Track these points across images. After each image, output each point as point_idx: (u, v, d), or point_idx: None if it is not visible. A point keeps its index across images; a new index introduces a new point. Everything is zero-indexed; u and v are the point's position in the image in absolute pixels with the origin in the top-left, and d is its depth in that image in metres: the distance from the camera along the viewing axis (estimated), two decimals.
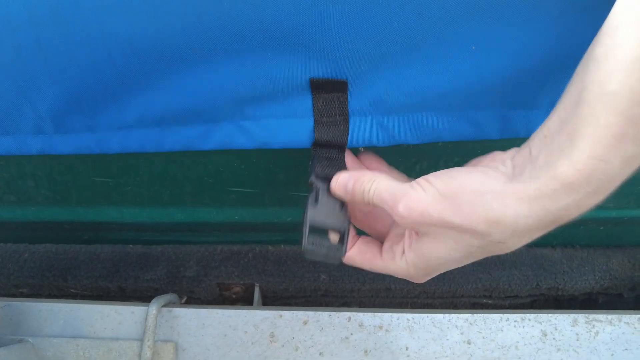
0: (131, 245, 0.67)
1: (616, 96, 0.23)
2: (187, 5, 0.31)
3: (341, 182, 0.36)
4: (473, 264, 0.64)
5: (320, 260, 0.37)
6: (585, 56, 0.26)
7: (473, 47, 0.34)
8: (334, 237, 0.37)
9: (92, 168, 0.53)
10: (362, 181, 0.34)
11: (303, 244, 0.36)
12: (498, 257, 0.65)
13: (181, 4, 0.31)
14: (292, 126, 0.40)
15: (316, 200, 0.37)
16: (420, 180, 0.31)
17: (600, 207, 0.58)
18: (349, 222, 0.37)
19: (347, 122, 0.39)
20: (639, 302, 0.67)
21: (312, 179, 0.38)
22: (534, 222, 0.26)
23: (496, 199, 0.27)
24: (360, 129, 0.40)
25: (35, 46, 0.34)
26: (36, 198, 0.57)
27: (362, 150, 0.47)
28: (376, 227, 0.39)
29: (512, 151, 0.31)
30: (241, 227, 0.61)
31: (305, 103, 0.38)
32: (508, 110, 0.39)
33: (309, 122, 0.39)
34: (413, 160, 0.49)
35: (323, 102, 0.38)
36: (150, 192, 0.55)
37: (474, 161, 0.35)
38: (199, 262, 0.64)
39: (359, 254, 0.37)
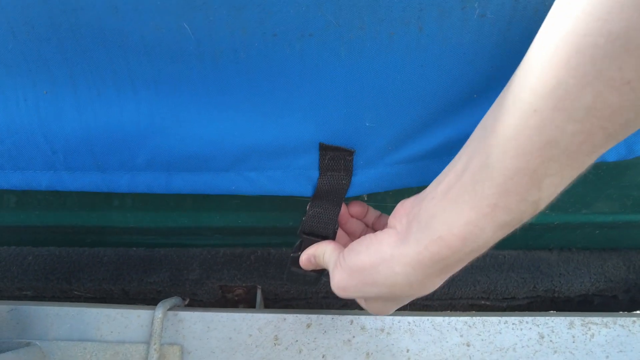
0: (134, 248, 0.68)
1: (493, 170, 0.25)
2: (204, 53, 0.33)
3: (304, 261, 0.42)
4: (471, 266, 0.66)
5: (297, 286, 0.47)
6: (481, 123, 0.28)
7: (475, 96, 0.35)
8: (310, 280, 0.46)
9: None
10: (316, 256, 0.41)
11: (284, 278, 0.46)
12: (496, 259, 0.67)
13: (197, 52, 0.33)
14: (297, 178, 0.41)
15: (299, 249, 0.43)
16: (341, 257, 0.36)
17: (596, 212, 0.59)
18: (326, 272, 0.43)
19: (350, 176, 0.40)
20: (633, 303, 0.68)
21: (300, 232, 0.43)
22: (423, 278, 0.30)
23: (387, 268, 0.31)
24: (364, 180, 0.41)
25: (68, 79, 0.35)
26: (39, 202, 0.58)
27: (365, 198, 0.48)
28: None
29: (411, 202, 0.34)
30: (243, 231, 0.62)
31: (312, 158, 0.39)
32: None
33: (314, 175, 0.40)
34: None
35: (330, 160, 0.39)
36: (154, 197, 0.56)
37: (392, 214, 0.37)
38: (202, 264, 0.65)
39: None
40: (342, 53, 0.33)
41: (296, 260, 0.44)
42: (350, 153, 0.39)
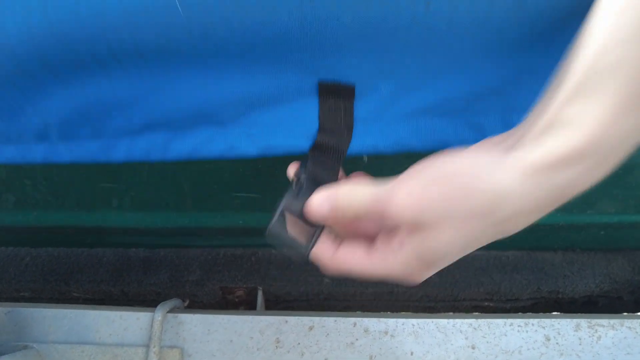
0: (134, 249, 0.67)
1: (623, 63, 0.23)
2: (193, 19, 0.31)
3: (318, 203, 0.31)
4: (475, 267, 0.65)
5: (281, 248, 0.33)
6: (584, 32, 0.25)
7: (484, 55, 0.34)
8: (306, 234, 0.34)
9: (94, 173, 0.53)
10: (339, 199, 0.30)
11: (269, 225, 0.33)
12: (499, 260, 0.66)
13: (187, 19, 0.32)
14: (296, 131, 0.40)
15: (297, 193, 0.34)
16: (404, 175, 0.28)
17: (600, 212, 0.58)
18: (323, 227, 0.34)
19: (351, 131, 0.39)
20: (639, 305, 0.68)
21: (300, 173, 0.36)
22: (540, 196, 0.24)
23: (496, 171, 0.25)
24: (365, 135, 0.40)
25: (38, 59, 0.34)
26: (37, 203, 0.57)
27: (365, 159, 0.47)
28: (362, 230, 0.34)
29: (503, 135, 0.29)
30: (245, 232, 0.61)
31: (311, 108, 0.38)
32: (511, 113, 0.39)
33: (312, 128, 0.39)
34: None
35: (329, 109, 0.38)
36: (154, 197, 0.55)
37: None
38: (202, 266, 0.64)
39: (344, 257, 0.32)
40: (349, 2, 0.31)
41: (295, 208, 0.33)
42: (350, 91, 0.37)
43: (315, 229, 0.33)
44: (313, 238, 0.33)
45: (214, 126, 0.39)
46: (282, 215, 0.33)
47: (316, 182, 0.35)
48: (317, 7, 0.31)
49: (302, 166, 0.37)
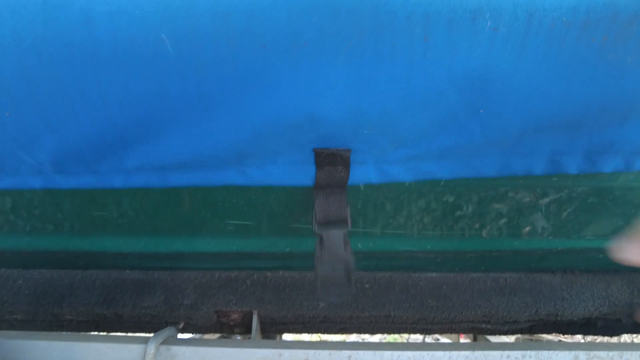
0: (128, 271, 0.66)
1: None
2: (186, 68, 0.31)
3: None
4: (472, 290, 0.65)
5: (336, 300, 0.43)
6: None
7: (481, 111, 0.33)
8: (340, 278, 0.42)
9: (88, 201, 0.52)
10: None
11: (318, 294, 0.42)
12: (497, 283, 0.65)
13: (177, 67, 0.31)
14: (294, 172, 0.40)
15: (321, 246, 0.41)
16: None
17: (599, 237, 0.58)
18: (353, 258, 0.41)
19: (348, 170, 0.39)
20: (637, 327, 0.67)
21: (315, 228, 0.41)
22: None
23: None
24: (360, 174, 0.40)
25: (31, 101, 0.33)
26: (30, 228, 0.56)
27: (362, 187, 0.46)
28: None
29: None
30: (239, 256, 0.60)
31: (308, 154, 0.38)
32: (508, 156, 0.39)
33: (310, 170, 0.39)
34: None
35: (326, 157, 0.37)
36: (147, 224, 0.54)
37: None
38: (197, 289, 0.64)
39: None
40: (339, 63, 0.31)
41: (320, 242, 0.41)
42: (346, 152, 0.38)
43: (348, 270, 0.42)
44: (350, 277, 0.42)
45: (209, 170, 0.39)
46: (322, 280, 0.42)
47: (329, 222, 0.41)
48: None
49: (313, 217, 0.41)
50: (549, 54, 0.31)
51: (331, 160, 0.39)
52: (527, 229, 0.55)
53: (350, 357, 0.47)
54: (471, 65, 0.31)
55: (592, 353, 0.48)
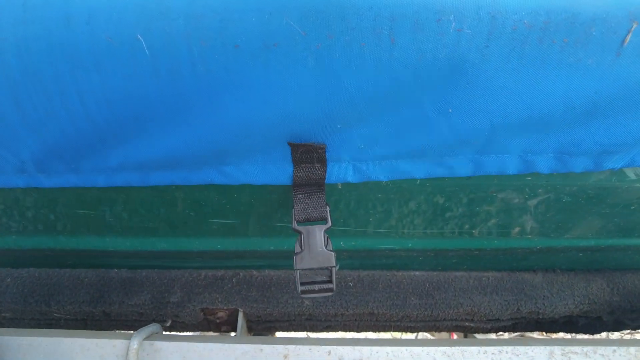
0: (115, 270, 0.67)
1: None
2: (161, 68, 0.32)
3: None
4: (455, 289, 0.66)
5: (316, 297, 0.44)
6: None
7: (450, 110, 0.34)
8: (322, 276, 0.43)
9: (74, 200, 0.53)
10: None
11: (298, 290, 0.43)
12: (480, 281, 0.66)
13: (152, 68, 0.32)
14: (272, 170, 0.41)
15: (301, 246, 0.42)
16: None
17: (579, 237, 0.59)
18: (334, 256, 0.42)
19: (325, 166, 0.40)
20: (618, 325, 0.68)
21: (294, 225, 0.42)
22: None
23: None
24: (337, 172, 0.41)
25: (11, 100, 0.34)
26: (17, 227, 0.57)
27: (340, 186, 0.47)
28: None
29: None
30: (225, 255, 0.61)
31: (284, 152, 0.39)
32: (481, 155, 0.40)
33: (288, 168, 0.40)
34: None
35: (302, 153, 0.38)
36: (132, 223, 0.55)
37: None
38: (183, 287, 0.65)
39: None
40: (310, 63, 0.32)
41: (300, 242, 0.42)
42: (321, 147, 0.39)
43: (329, 270, 0.43)
44: (332, 276, 0.43)
45: (189, 169, 0.40)
46: (302, 278, 0.43)
47: (308, 220, 0.42)
48: None
49: (292, 216, 0.42)
50: (513, 55, 0.33)
51: (307, 157, 0.40)
52: (510, 229, 0.56)
53: (330, 352, 0.48)
54: (437, 65, 0.33)
55: (567, 348, 0.49)
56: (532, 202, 0.51)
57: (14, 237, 0.58)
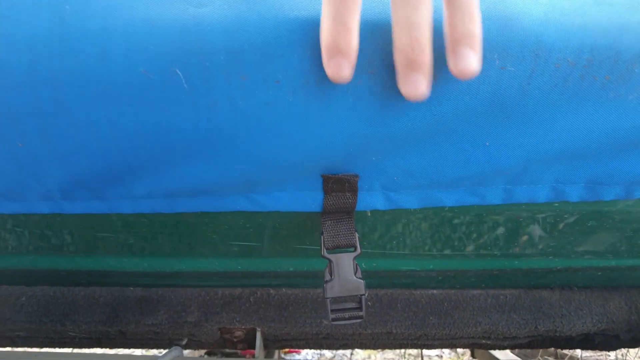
0: (131, 288, 0.66)
1: None
2: (198, 102, 0.31)
3: None
4: (473, 307, 0.65)
5: (345, 323, 0.44)
6: None
7: (487, 144, 0.34)
8: (352, 302, 0.43)
9: (91, 222, 0.52)
10: None
11: (329, 318, 0.43)
12: (497, 300, 0.66)
13: (190, 102, 0.31)
14: (301, 198, 0.40)
15: (331, 274, 0.41)
16: None
17: (598, 257, 0.58)
18: (364, 284, 0.42)
19: (356, 196, 0.39)
20: (635, 342, 0.68)
21: (324, 252, 0.41)
22: None
23: None
24: (367, 200, 0.41)
25: (42, 132, 0.33)
26: (33, 248, 0.56)
27: (369, 213, 0.47)
28: None
29: None
30: (243, 275, 0.60)
31: (316, 181, 0.38)
32: (513, 186, 0.40)
33: (318, 196, 0.40)
34: None
35: (333, 183, 0.38)
36: (151, 245, 0.54)
37: None
38: (200, 307, 0.64)
39: None
40: (349, 99, 0.32)
41: (330, 269, 0.42)
42: (354, 178, 0.38)
43: (359, 297, 0.42)
44: (362, 303, 0.43)
45: (217, 197, 0.39)
46: (332, 305, 0.43)
47: (338, 247, 0.41)
48: None
49: (322, 243, 0.41)
50: (554, 92, 0.32)
51: (339, 187, 0.39)
52: (532, 250, 0.56)
53: None
54: (478, 100, 0.32)
55: None
56: (558, 227, 0.51)
57: (30, 258, 0.58)
